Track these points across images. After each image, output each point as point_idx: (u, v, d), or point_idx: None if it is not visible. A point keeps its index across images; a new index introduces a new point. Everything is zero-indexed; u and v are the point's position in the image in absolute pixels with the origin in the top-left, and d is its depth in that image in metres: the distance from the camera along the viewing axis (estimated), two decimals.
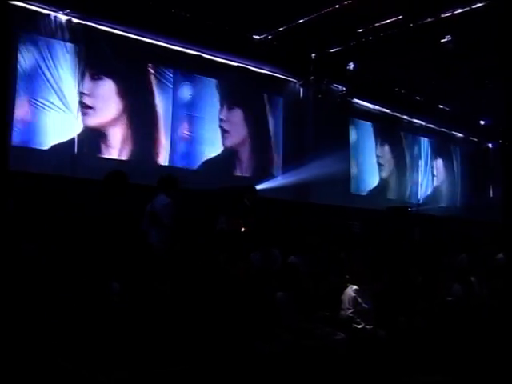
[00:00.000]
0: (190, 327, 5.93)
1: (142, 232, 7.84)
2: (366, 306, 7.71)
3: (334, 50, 13.03)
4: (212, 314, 6.15)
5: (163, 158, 11.39)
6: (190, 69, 11.78)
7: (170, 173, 9.04)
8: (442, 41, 11.96)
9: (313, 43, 12.83)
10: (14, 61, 9.20)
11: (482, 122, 18.65)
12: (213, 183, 10.95)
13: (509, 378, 7.18)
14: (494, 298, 9.46)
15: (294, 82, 13.77)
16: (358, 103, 15.14)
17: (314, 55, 13.33)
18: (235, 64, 12.40)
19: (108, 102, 10.64)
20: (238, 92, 12.64)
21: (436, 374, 7.35)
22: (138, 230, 7.86)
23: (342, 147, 13.94)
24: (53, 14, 9.91)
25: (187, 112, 11.75)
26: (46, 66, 9.79)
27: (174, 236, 7.87)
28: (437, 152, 18.11)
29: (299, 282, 7.49)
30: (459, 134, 18.85)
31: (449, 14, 11.37)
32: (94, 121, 10.47)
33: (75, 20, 10.12)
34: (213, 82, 12.21)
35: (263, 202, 10.89)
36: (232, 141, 12.46)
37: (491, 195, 19.38)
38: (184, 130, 11.67)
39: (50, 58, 9.84)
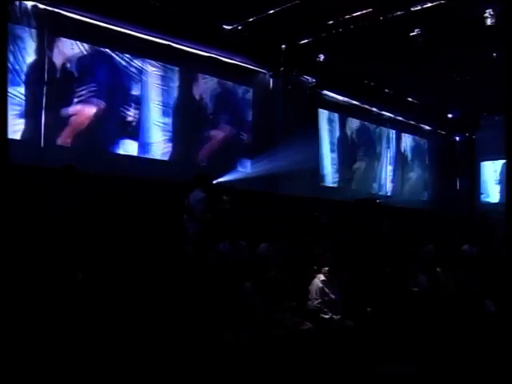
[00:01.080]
0: (156, 316, 5.92)
1: (181, 223, 8.83)
2: (333, 296, 7.79)
3: (305, 41, 13.02)
4: (179, 303, 6.15)
5: (132, 148, 11.29)
6: (159, 58, 11.67)
7: (204, 171, 10.02)
8: (412, 34, 12.06)
9: (283, 34, 12.81)
10: None
11: (449, 115, 18.89)
12: (180, 174, 10.89)
13: (474, 366, 7.33)
14: (459, 287, 9.63)
15: (264, 73, 13.74)
16: (327, 95, 15.17)
17: (284, 46, 13.31)
18: (205, 54, 12.32)
19: (74, 90, 10.49)
20: (208, 82, 12.59)
21: (403, 362, 7.46)
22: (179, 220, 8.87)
23: (311, 139, 13.98)
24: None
25: (156, 102, 11.65)
26: (12, 53, 9.56)
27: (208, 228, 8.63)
28: (405, 144, 18.30)
29: (267, 273, 7.54)
30: (427, 127, 19.05)
31: (418, 8, 11.44)
32: (61, 109, 10.31)
33: (41, 6, 9.92)
34: (182, 71, 12.12)
35: (231, 192, 10.90)
36: (200, 131, 12.40)
37: (458, 187, 19.68)
38: (153, 120, 11.57)
39: (15, 45, 9.62)
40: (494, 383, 6.67)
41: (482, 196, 19.12)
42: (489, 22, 11.41)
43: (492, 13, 11.29)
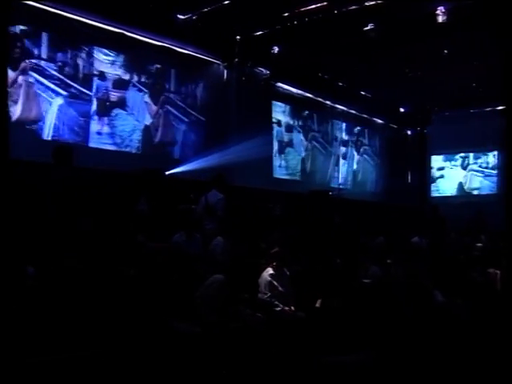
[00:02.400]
0: (108, 307, 5.89)
1: (197, 219, 9.16)
2: (282, 289, 7.83)
3: (259, 33, 13.07)
4: (131, 294, 6.13)
5: (83, 138, 11.14)
6: (113, 46, 11.53)
7: (220, 172, 10.42)
8: (365, 29, 12.23)
9: (238, 25, 12.82)
10: None
11: (401, 110, 19.24)
12: (133, 165, 10.82)
13: (423, 355, 7.52)
14: (409, 279, 9.84)
15: (218, 64, 13.73)
16: (281, 87, 15.29)
17: (238, 37, 13.32)
18: (159, 43, 12.23)
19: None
20: (162, 72, 12.50)
21: (355, 352, 7.59)
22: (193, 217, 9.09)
23: (264, 130, 14.06)
24: None
25: (110, 90, 11.51)
26: None
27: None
28: (357, 137, 18.56)
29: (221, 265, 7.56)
30: (379, 121, 19.36)
31: (372, 3, 11.61)
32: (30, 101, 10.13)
33: None
34: (136, 60, 12.00)
35: (185, 184, 10.89)
36: (153, 122, 12.32)
37: (409, 180, 20.09)
38: (107, 109, 11.44)
39: None
40: (443, 371, 6.85)
41: (433, 189, 19.61)
42: (440, 19, 11.68)
43: (443, 10, 11.57)
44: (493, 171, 18.74)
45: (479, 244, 13.05)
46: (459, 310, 9.75)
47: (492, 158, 18.84)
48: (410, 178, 20.11)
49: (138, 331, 5.83)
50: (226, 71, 13.82)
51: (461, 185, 19.31)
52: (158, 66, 12.49)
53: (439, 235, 13.58)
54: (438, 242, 13.02)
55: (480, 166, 19.05)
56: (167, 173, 11.67)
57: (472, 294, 10.65)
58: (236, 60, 13.66)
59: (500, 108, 18.12)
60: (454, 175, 19.57)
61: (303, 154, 16.21)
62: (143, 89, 12.17)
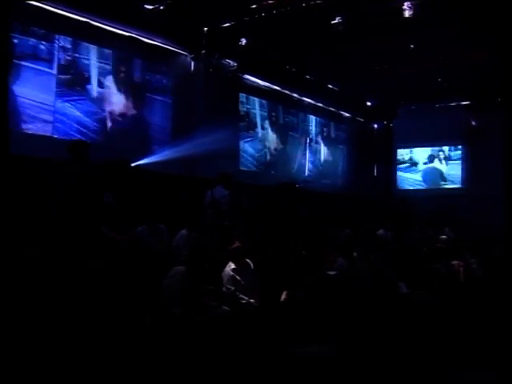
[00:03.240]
0: (71, 299, 5.83)
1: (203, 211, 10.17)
2: (245, 283, 7.85)
3: (227, 24, 12.99)
4: (95, 286, 6.08)
5: (47, 129, 10.95)
6: (77, 35, 11.34)
7: (226, 170, 11.09)
8: (333, 22, 12.27)
9: (205, 17, 12.73)
10: None
11: (368, 103, 19.39)
12: (97, 155, 10.66)
13: (387, 346, 7.62)
14: (374, 271, 9.95)
15: (186, 55, 13.62)
16: (248, 79, 15.25)
17: (206, 29, 13.23)
18: (125, 33, 12.08)
19: None
20: (127, 62, 12.36)
21: (319, 344, 7.65)
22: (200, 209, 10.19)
23: (231, 123, 14.01)
24: None
25: (73, 80, 11.32)
26: None
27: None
28: (324, 130, 18.64)
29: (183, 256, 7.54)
30: (346, 114, 19.47)
31: None
32: None
33: None
34: (100, 50, 11.83)
35: (151, 176, 10.81)
36: (118, 113, 12.18)
37: (375, 174, 20.28)
38: (69, 99, 11.26)
39: None
40: (407, 363, 6.95)
41: (398, 182, 19.83)
42: (407, 14, 11.79)
43: (410, 5, 11.67)
44: (458, 164, 19.01)
45: (443, 236, 13.24)
46: (423, 301, 9.95)
47: (457, 152, 19.09)
48: (376, 170, 20.30)
49: (103, 325, 5.79)
50: (193, 62, 13.70)
51: (426, 178, 19.54)
52: (125, 56, 12.33)
53: (404, 228, 13.75)
54: (402, 235, 13.19)
55: (445, 160, 19.30)
56: (133, 164, 11.57)
57: (435, 285, 10.88)
58: (203, 51, 13.55)
59: (464, 103, 18.46)
60: (418, 168, 19.79)
61: (270, 147, 16.21)
62: (109, 79, 12.01)
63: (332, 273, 9.06)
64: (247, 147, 15.41)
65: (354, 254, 10.38)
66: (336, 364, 6.83)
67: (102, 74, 11.86)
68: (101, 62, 11.82)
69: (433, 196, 18.05)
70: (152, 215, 8.66)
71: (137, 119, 12.55)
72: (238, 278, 7.79)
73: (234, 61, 14.37)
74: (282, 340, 7.39)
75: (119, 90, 12.23)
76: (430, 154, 19.56)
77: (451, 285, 11.14)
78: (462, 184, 18.71)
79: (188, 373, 5.95)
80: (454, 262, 12.04)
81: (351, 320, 8.41)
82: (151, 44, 12.70)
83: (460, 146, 18.90)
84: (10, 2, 5.58)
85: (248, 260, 8.15)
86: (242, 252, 8.01)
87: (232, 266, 7.86)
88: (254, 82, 15.48)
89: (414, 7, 11.67)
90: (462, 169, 18.85)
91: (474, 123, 18.51)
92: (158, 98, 13.09)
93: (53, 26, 10.91)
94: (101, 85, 11.84)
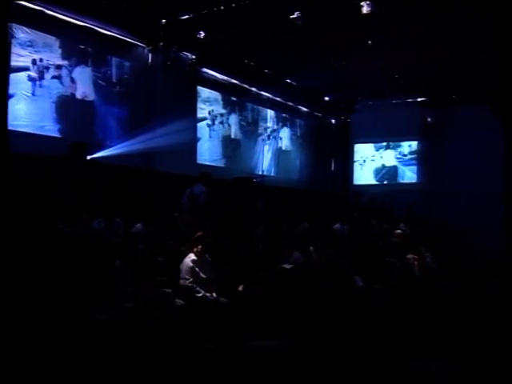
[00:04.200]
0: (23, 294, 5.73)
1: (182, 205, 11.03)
2: (204, 275, 7.85)
3: (185, 17, 12.88)
4: (48, 281, 5.98)
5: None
6: (32, 24, 11.07)
7: (205, 170, 12.40)
8: (292, 17, 12.28)
9: (163, 8, 12.60)
10: None
11: (326, 98, 19.50)
12: (53, 148, 10.48)
13: (345, 338, 7.73)
14: (330, 265, 10.04)
15: (143, 47, 13.46)
16: (207, 72, 15.13)
17: (164, 21, 13.09)
18: (81, 23, 11.85)
19: None
20: (84, 53, 12.14)
21: (277, 337, 7.71)
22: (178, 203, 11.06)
23: (189, 116, 13.92)
24: None
25: (28, 71, 11.06)
26: None
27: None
28: (282, 125, 18.67)
29: (140, 251, 7.49)
30: (304, 109, 19.53)
31: None
32: None
33: None
34: (55, 40, 11.58)
35: (106, 169, 10.68)
36: (74, 104, 11.97)
37: (332, 168, 20.43)
38: (22, 91, 11.00)
39: None
40: (364, 355, 7.05)
41: (355, 177, 20.00)
42: (365, 10, 11.90)
43: (368, 2, 11.78)
44: (413, 160, 19.28)
45: (398, 231, 13.43)
46: (378, 294, 10.11)
47: (413, 147, 19.35)
48: (333, 165, 20.45)
49: (56, 320, 5.70)
50: (150, 55, 13.55)
51: (382, 173, 19.75)
52: (81, 46, 12.11)
53: (360, 222, 13.89)
54: (358, 229, 13.33)
55: (401, 155, 19.55)
56: (89, 157, 11.38)
57: (391, 278, 11.06)
58: (161, 44, 13.40)
59: (420, 99, 18.74)
60: (375, 163, 20.00)
61: (228, 141, 16.15)
62: (64, 69, 11.77)
63: (288, 266, 9.10)
64: (205, 141, 15.30)
65: (311, 247, 10.46)
66: (293, 356, 6.90)
67: (58, 65, 11.61)
68: (56, 52, 11.58)
69: (388, 191, 18.27)
70: (108, 208, 8.57)
71: (93, 111, 12.35)
72: (196, 269, 7.80)
73: (192, 54, 14.24)
74: (240, 333, 7.44)
75: (75, 81, 12.01)
76: (385, 149, 19.75)
77: (406, 278, 11.33)
78: (417, 179, 18.98)
79: (141, 366, 5.91)
80: (409, 256, 12.24)
81: (307, 313, 8.51)
82: (108, 35, 12.49)
83: (416, 142, 19.15)
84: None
85: (206, 255, 8.16)
86: (204, 242, 8.02)
87: (192, 257, 7.86)
88: (212, 76, 15.37)
89: (371, 3, 11.77)
90: (418, 165, 19.11)
91: (429, 119, 18.81)
92: (115, 90, 12.90)
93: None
94: (57, 76, 11.60)
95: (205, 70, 15.01)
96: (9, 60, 8.34)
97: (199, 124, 15.02)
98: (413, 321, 8.93)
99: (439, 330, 8.39)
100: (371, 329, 8.36)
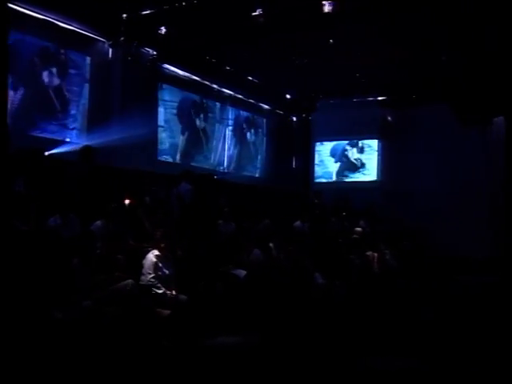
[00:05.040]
0: None
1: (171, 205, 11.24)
2: (166, 271, 7.81)
3: (146, 12, 12.74)
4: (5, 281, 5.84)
5: None
6: None
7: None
8: (254, 14, 12.28)
9: (124, 3, 12.46)
10: None
11: (287, 96, 19.53)
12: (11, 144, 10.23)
13: (305, 334, 7.75)
14: (291, 262, 10.07)
15: (103, 42, 13.28)
16: (168, 69, 15.00)
17: (125, 15, 12.93)
18: (39, 16, 11.62)
19: None
20: (44, 47, 11.90)
21: (239, 335, 7.69)
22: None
23: (149, 112, 13.77)
24: None
25: None
26: None
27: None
28: (244, 122, 18.65)
29: (97, 248, 7.39)
30: (266, 106, 19.55)
31: None
32: None
33: None
34: (15, 33, 11.31)
35: (65, 165, 10.51)
36: (32, 99, 11.73)
37: (294, 166, 20.49)
38: None
39: None
40: (323, 351, 7.09)
41: (316, 175, 20.07)
42: (326, 9, 11.97)
43: (330, 1, 11.85)
44: (373, 158, 19.43)
45: (358, 228, 13.57)
46: (338, 291, 10.18)
47: (373, 146, 19.51)
48: (294, 163, 20.51)
49: (15, 320, 5.58)
50: (111, 50, 13.37)
51: (343, 171, 19.88)
52: (39, 40, 11.87)
53: (320, 219, 13.99)
54: (319, 226, 13.41)
55: (361, 153, 19.68)
56: (47, 153, 11.19)
57: (351, 275, 11.16)
58: (122, 39, 13.23)
59: (380, 98, 18.93)
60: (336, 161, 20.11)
61: (189, 138, 16.03)
62: (22, 64, 11.52)
63: (240, 273, 9.05)
64: (165, 138, 15.17)
65: (271, 244, 10.47)
66: (254, 353, 6.89)
67: (14, 59, 11.34)
68: (14, 46, 11.31)
69: (348, 189, 18.43)
70: (65, 205, 8.44)
71: (51, 107, 12.13)
72: (160, 265, 7.75)
73: (153, 49, 14.09)
74: (201, 331, 7.40)
75: (34, 75, 11.78)
76: (344, 147, 19.87)
77: (365, 275, 11.45)
78: (377, 177, 19.15)
79: (99, 365, 5.84)
80: (369, 253, 12.39)
81: (268, 310, 8.51)
82: (68, 29, 12.29)
83: (376, 141, 19.32)
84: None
85: (168, 252, 8.12)
86: (167, 239, 7.98)
87: (156, 252, 7.82)
88: (174, 72, 15.24)
89: (333, 3, 11.84)
90: (378, 163, 19.29)
91: (389, 118, 19.01)
92: (75, 85, 12.70)
93: None
94: (12, 70, 11.32)
95: (166, 66, 14.88)
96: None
97: (160, 120, 14.87)
98: (371, 317, 9.02)
99: (396, 327, 8.49)
100: (331, 325, 8.41)
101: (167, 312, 7.16)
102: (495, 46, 11.77)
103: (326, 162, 19.93)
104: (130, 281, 7.21)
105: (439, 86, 15.02)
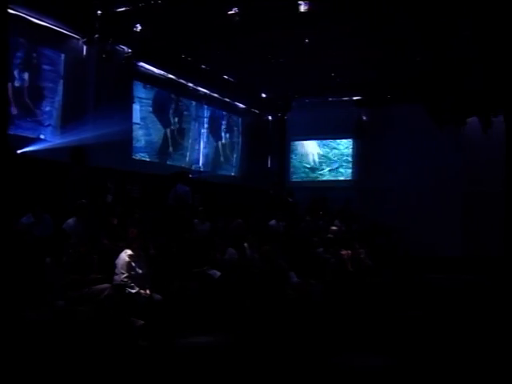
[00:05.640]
0: None
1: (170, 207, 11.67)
2: (140, 271, 7.74)
3: (122, 9, 12.61)
4: None
5: None
6: None
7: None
8: (230, 12, 12.24)
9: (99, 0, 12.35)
10: None
11: (263, 95, 19.53)
12: None
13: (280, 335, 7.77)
14: (265, 261, 10.08)
15: (78, 39, 13.11)
16: (143, 67, 14.84)
17: (99, 12, 12.77)
18: (12, 12, 11.39)
19: None
20: (16, 44, 11.71)
21: (212, 335, 7.68)
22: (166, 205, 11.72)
23: (124, 111, 13.62)
24: None
25: None
26: None
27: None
28: (219, 121, 18.58)
29: (71, 247, 7.31)
30: (242, 105, 19.50)
31: None
32: None
33: None
34: None
35: (37, 163, 10.40)
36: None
37: (269, 165, 20.50)
38: None
39: None
40: (298, 350, 7.11)
41: (292, 174, 20.14)
42: (302, 8, 11.99)
43: (306, 0, 11.87)
44: (348, 158, 19.55)
45: (333, 227, 13.64)
46: (313, 290, 10.23)
47: (348, 145, 19.62)
48: (270, 162, 20.53)
49: None
50: (85, 47, 13.19)
51: (317, 170, 19.96)
52: (13, 36, 11.66)
53: (295, 218, 14.02)
54: (293, 225, 13.45)
55: (336, 153, 19.77)
56: (20, 151, 11.06)
57: (325, 274, 11.22)
58: (96, 36, 13.06)
59: (356, 98, 19.04)
60: (310, 161, 20.18)
61: (164, 136, 15.91)
62: None
63: (215, 273, 9.04)
64: (140, 136, 15.04)
65: (245, 244, 10.47)
66: (228, 353, 6.88)
67: None
68: None
69: (324, 187, 18.53)
70: (37, 204, 8.35)
71: (24, 105, 11.96)
72: (133, 264, 7.69)
73: (128, 47, 13.92)
74: (175, 330, 7.38)
75: (6, 73, 11.58)
76: (321, 146, 19.97)
77: (340, 274, 11.52)
78: (352, 177, 19.27)
79: (73, 365, 5.79)
80: (344, 252, 12.46)
81: (243, 310, 8.52)
82: (42, 25, 12.09)
83: (351, 140, 19.44)
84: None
85: (142, 251, 8.05)
86: (141, 239, 7.91)
87: (129, 252, 7.74)
88: (149, 70, 15.08)
89: (309, 2, 11.87)
90: (353, 162, 19.41)
91: (364, 118, 19.13)
92: (48, 82, 12.54)
93: None
94: None
95: (141, 64, 14.71)
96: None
97: (135, 118, 14.74)
98: (346, 316, 9.08)
99: (371, 325, 8.55)
100: (306, 324, 8.44)
101: (141, 322, 7.09)
102: (470, 47, 11.92)
103: (302, 160, 20.01)
104: (107, 285, 7.14)
105: (414, 85, 15.15)
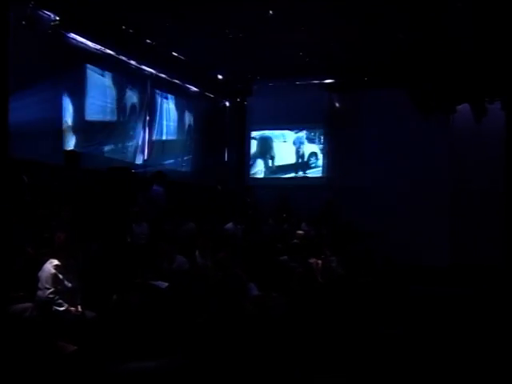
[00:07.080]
0: None
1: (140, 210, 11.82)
2: (69, 284, 7.57)
3: None
4: None
5: None
6: None
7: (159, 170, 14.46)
8: None
9: None
10: None
11: (219, 77, 19.38)
12: None
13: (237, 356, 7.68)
14: (220, 270, 10.01)
15: None
16: (74, 39, 14.28)
17: None
18: None
19: None
20: None
21: (156, 358, 7.55)
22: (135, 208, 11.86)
23: (51, 91, 13.24)
24: None
25: None
26: None
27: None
28: (167, 107, 18.34)
29: None
30: (194, 88, 19.36)
31: None
32: None
33: None
34: None
35: None
36: None
37: (226, 159, 20.42)
38: None
39: None
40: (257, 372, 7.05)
41: (251, 169, 20.05)
42: None
43: None
44: (318, 151, 19.55)
45: (300, 232, 13.63)
46: (276, 304, 10.19)
47: (318, 136, 19.63)
48: (227, 155, 20.46)
49: None
50: None
51: (279, 164, 19.94)
52: None
53: (256, 221, 13.99)
54: (254, 229, 13.41)
55: (304, 144, 19.76)
56: None
57: (291, 285, 11.19)
58: None
59: (327, 81, 19.07)
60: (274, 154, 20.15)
61: (101, 125, 15.54)
62: None
63: (162, 284, 8.95)
64: (73, 122, 14.68)
65: (196, 251, 10.40)
66: (172, 380, 6.78)
67: None
68: None
69: (290, 185, 18.51)
70: None
71: None
72: (60, 277, 7.49)
73: (54, 14, 13.50)
74: (111, 354, 7.23)
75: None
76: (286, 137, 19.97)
77: (308, 285, 11.50)
78: (322, 173, 19.26)
79: None
80: (312, 260, 12.46)
81: (192, 329, 8.42)
82: None
83: (321, 130, 19.46)
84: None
85: (72, 261, 7.86)
86: (69, 243, 7.71)
87: (54, 262, 7.51)
88: (82, 43, 14.56)
89: None
90: (323, 156, 19.40)
91: (337, 104, 19.18)
92: None
93: None
94: None
95: (72, 35, 14.26)
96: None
97: (66, 103, 14.36)
98: (313, 333, 9.06)
99: (341, 344, 8.55)
100: (267, 343, 8.38)
101: (73, 348, 6.92)
102: (462, 21, 11.89)
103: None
104: (29, 304, 6.95)
105: (395, 67, 15.20)
